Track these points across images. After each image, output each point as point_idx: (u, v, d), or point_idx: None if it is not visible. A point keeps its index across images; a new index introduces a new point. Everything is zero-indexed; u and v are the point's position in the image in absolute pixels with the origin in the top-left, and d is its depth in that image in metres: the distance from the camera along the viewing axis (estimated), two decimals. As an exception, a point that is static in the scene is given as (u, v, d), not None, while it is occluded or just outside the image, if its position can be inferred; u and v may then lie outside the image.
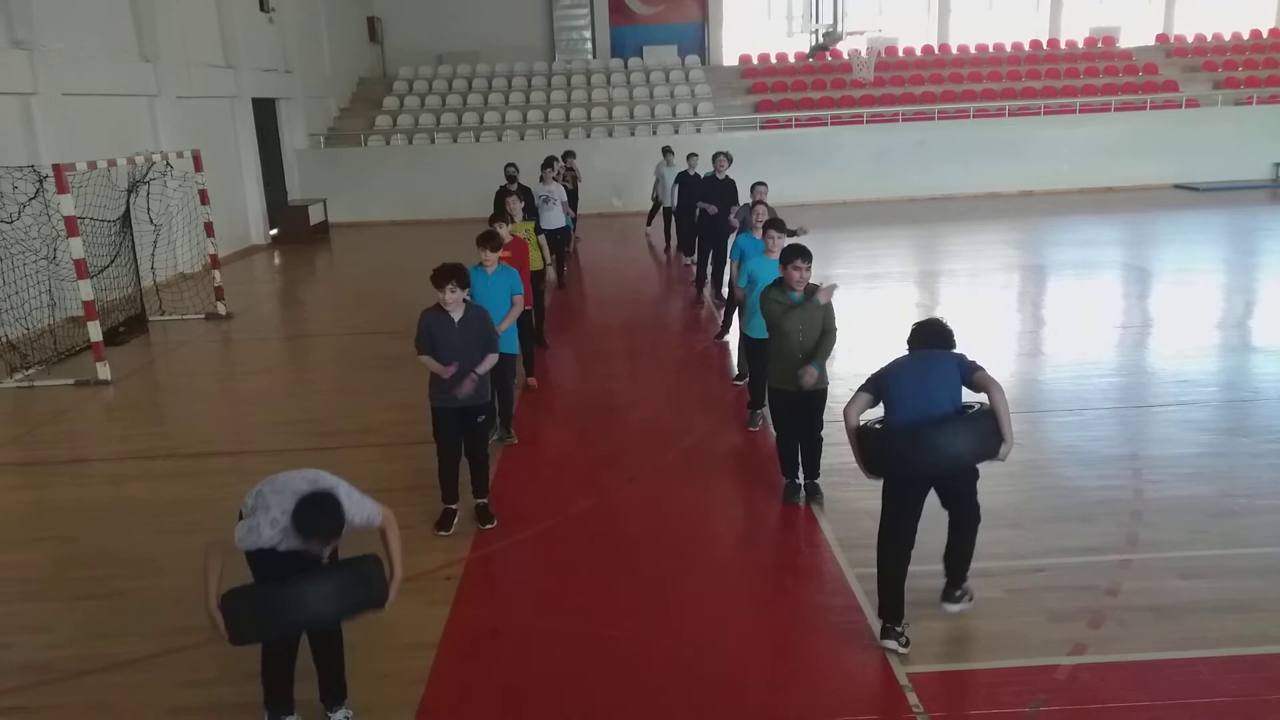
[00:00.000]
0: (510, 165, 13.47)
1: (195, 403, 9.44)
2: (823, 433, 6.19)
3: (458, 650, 4.77)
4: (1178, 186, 21.45)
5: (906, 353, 4.75)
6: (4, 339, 10.02)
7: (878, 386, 4.65)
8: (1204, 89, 23.31)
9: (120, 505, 6.77)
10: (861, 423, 4.67)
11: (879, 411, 4.66)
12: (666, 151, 16.70)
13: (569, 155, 16.86)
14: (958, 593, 4.82)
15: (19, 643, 5.01)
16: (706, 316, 11.78)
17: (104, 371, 9.74)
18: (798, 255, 5.83)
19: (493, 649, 4.79)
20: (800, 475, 6.25)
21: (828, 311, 5.93)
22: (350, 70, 25.02)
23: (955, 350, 4.67)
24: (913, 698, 4.22)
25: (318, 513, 3.66)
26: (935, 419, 4.41)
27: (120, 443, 8.22)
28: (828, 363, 6.02)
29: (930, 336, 4.72)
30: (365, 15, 26.38)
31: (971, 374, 4.53)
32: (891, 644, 4.55)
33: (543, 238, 9.75)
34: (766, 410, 7.48)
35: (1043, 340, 10.31)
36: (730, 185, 12.36)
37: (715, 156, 12.86)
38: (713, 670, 4.53)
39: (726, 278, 10.09)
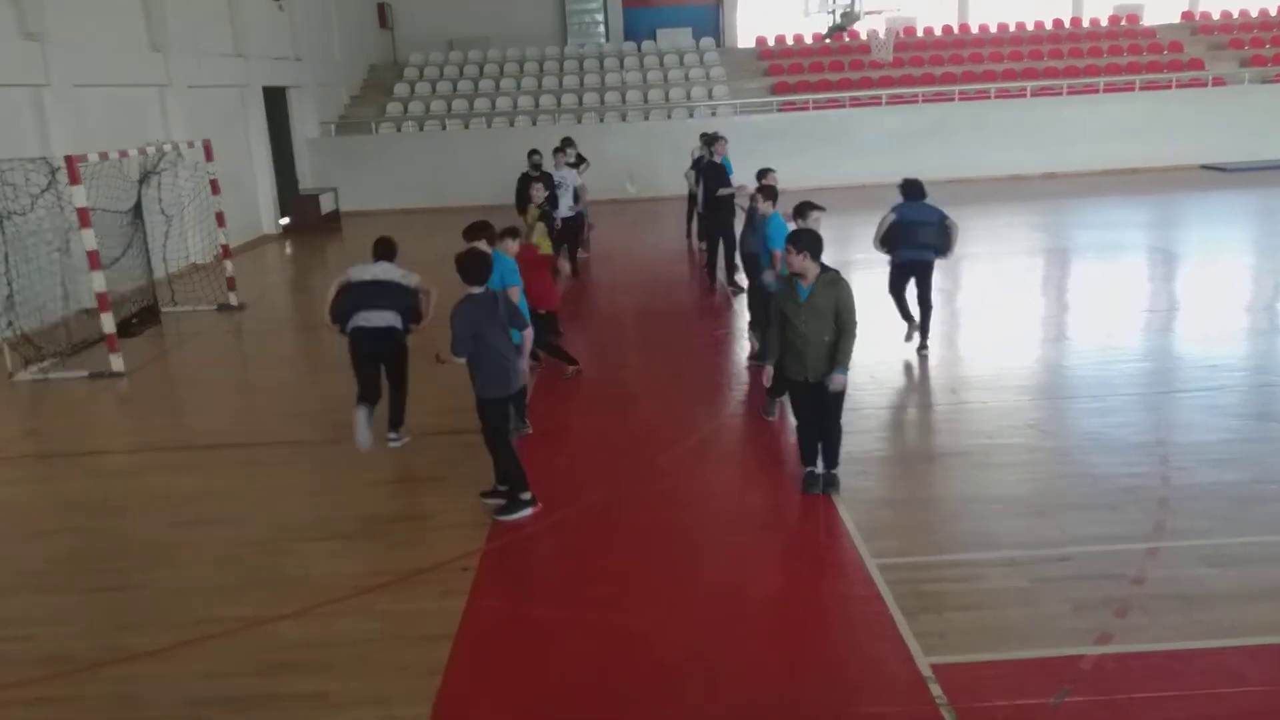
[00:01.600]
0: (535, 152, 13.39)
1: (209, 394, 9.47)
2: (842, 421, 6.11)
3: (474, 641, 4.75)
4: (1205, 167, 21.13)
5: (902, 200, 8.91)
6: (19, 331, 10.05)
7: (896, 210, 8.85)
8: (1230, 67, 22.91)
9: (135, 497, 6.78)
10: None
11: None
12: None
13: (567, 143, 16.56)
14: (922, 348, 9.00)
15: (38, 634, 5.03)
16: (721, 303, 11.69)
17: (117, 363, 9.77)
18: (788, 240, 5.84)
19: (509, 639, 4.76)
20: (819, 464, 6.17)
21: (840, 305, 5.75)
22: (361, 57, 24.99)
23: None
24: (936, 689, 4.16)
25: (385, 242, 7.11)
26: (921, 221, 8.73)
27: (134, 434, 8.25)
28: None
29: (918, 189, 8.93)
30: (375, 2, 26.29)
31: (946, 217, 8.80)
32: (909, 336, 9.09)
33: (541, 225, 9.67)
34: (785, 399, 7.44)
35: (1067, 325, 10.18)
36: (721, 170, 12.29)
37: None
38: (732, 660, 4.48)
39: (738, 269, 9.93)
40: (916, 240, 8.63)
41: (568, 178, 13.02)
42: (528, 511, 6.02)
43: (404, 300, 6.91)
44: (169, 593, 5.39)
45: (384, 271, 6.93)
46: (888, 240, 8.84)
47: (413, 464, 6.98)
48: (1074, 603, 4.75)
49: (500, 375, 5.84)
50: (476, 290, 5.75)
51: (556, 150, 13.49)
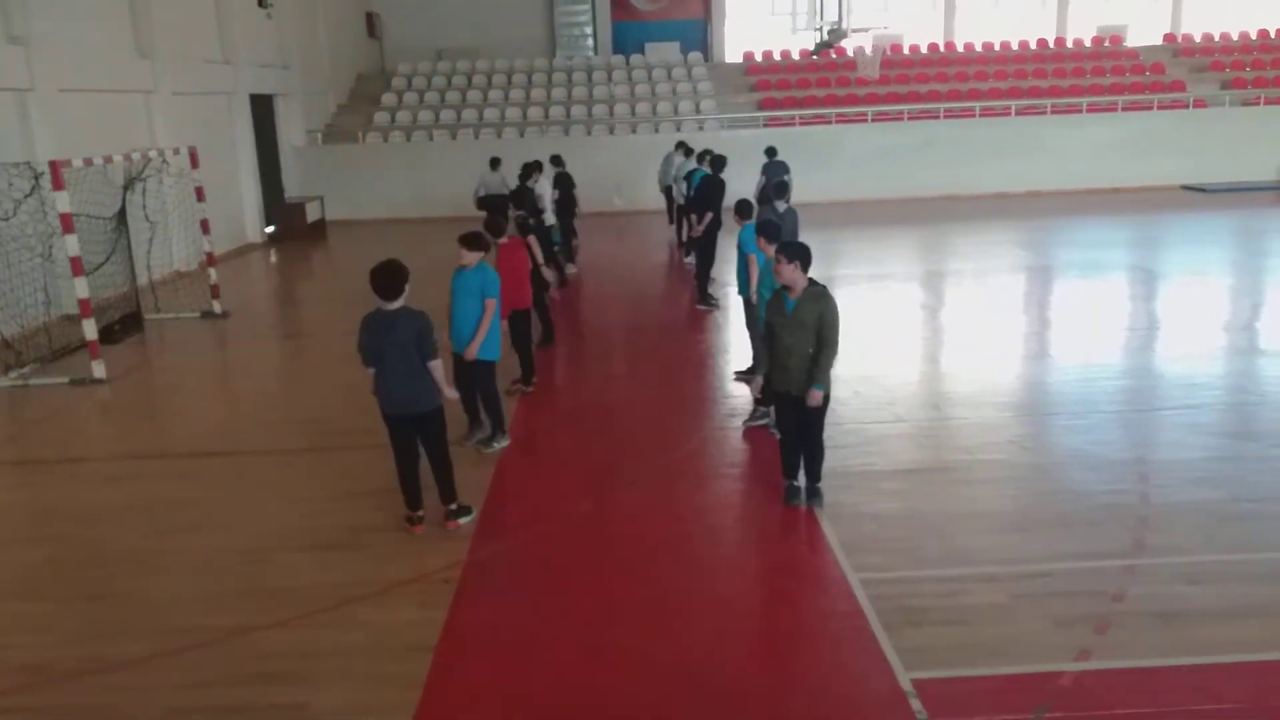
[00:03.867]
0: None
1: (191, 402, 9.39)
2: (824, 436, 6.13)
3: (455, 654, 4.72)
4: (1185, 187, 21.38)
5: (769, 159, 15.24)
6: (-1, 336, 9.97)
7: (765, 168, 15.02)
8: (1212, 89, 23.23)
9: (116, 505, 6.72)
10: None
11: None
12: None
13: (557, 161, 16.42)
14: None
15: (16, 643, 4.98)
16: (707, 315, 11.70)
17: (99, 370, 9.69)
18: (778, 250, 5.92)
19: (491, 653, 4.74)
20: (801, 477, 6.20)
21: (821, 321, 5.78)
22: (349, 66, 24.94)
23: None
24: (916, 704, 4.17)
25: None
26: (782, 179, 11.65)
27: (115, 442, 8.19)
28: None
29: (774, 151, 15.52)
30: (364, 10, 26.31)
31: (788, 170, 14.67)
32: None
33: (532, 239, 9.65)
34: (770, 410, 7.46)
35: (1049, 342, 10.25)
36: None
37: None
38: (715, 676, 4.48)
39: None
40: (784, 192, 12.12)
41: (545, 191, 13.15)
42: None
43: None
44: (149, 602, 5.34)
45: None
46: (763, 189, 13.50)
47: (393, 472, 6.95)
48: (1054, 619, 4.77)
49: (389, 391, 5.75)
50: (386, 305, 5.65)
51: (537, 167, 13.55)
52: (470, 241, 6.89)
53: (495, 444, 7.38)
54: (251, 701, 4.39)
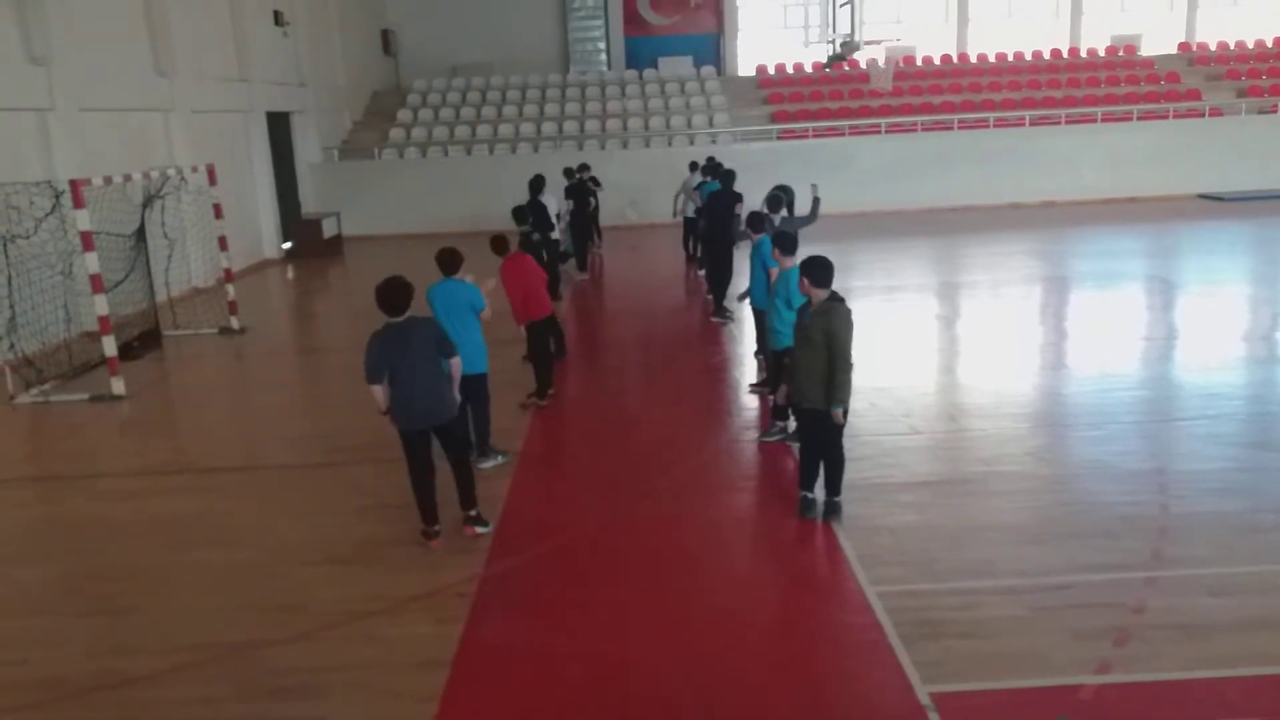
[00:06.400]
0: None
1: (208, 418, 9.46)
2: (844, 450, 6.10)
3: (471, 668, 4.71)
4: (1202, 197, 21.23)
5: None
6: (20, 354, 10.06)
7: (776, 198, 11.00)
8: (1227, 98, 23.09)
9: (134, 520, 6.76)
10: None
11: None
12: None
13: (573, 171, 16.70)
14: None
15: (34, 658, 5.01)
16: (721, 328, 11.68)
17: (118, 386, 9.77)
18: (800, 268, 5.92)
19: (506, 667, 4.73)
20: (818, 490, 6.17)
21: (828, 337, 5.72)
22: (364, 83, 25.17)
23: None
24: (935, 717, 4.14)
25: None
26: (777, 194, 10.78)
27: (134, 458, 8.23)
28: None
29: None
30: (379, 28, 26.57)
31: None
32: None
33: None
34: (788, 424, 7.44)
35: (1066, 353, 10.19)
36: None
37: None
38: (731, 690, 4.45)
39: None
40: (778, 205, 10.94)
41: (550, 204, 13.25)
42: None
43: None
44: (164, 616, 5.37)
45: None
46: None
47: (408, 487, 6.96)
48: (1073, 631, 4.73)
49: (410, 404, 5.78)
50: (394, 319, 5.74)
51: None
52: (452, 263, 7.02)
53: (487, 460, 7.30)
54: (266, 716, 4.40)
